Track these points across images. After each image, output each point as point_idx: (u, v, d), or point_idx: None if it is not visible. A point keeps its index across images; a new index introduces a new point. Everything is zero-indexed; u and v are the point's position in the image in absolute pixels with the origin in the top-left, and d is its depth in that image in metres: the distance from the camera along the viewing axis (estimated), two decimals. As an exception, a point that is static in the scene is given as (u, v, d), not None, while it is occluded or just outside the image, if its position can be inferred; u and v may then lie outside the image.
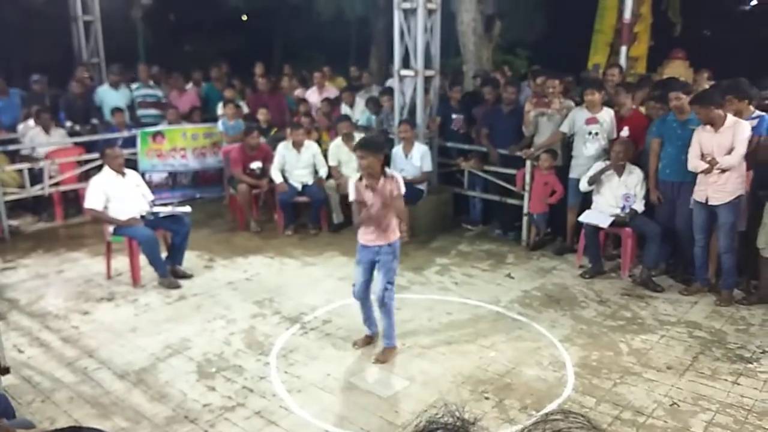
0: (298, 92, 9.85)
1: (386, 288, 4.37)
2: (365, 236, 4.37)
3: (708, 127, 5.17)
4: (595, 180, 6.00)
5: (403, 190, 4.30)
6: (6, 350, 4.33)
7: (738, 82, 5.62)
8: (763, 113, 5.44)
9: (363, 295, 4.54)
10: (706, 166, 5.15)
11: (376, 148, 4.24)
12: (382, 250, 4.34)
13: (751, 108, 5.46)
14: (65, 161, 7.97)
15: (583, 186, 6.11)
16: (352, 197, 4.34)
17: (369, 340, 4.69)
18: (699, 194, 5.33)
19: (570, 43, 11.02)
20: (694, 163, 5.26)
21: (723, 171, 5.12)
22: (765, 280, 5.37)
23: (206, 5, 15.88)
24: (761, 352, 4.57)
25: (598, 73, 8.72)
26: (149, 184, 6.96)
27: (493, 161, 7.19)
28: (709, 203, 5.26)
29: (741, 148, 5.06)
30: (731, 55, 10.35)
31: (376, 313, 4.58)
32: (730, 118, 5.14)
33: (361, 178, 4.31)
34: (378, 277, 4.41)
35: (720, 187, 5.18)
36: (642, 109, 6.49)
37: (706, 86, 6.70)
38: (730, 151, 5.08)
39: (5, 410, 3.02)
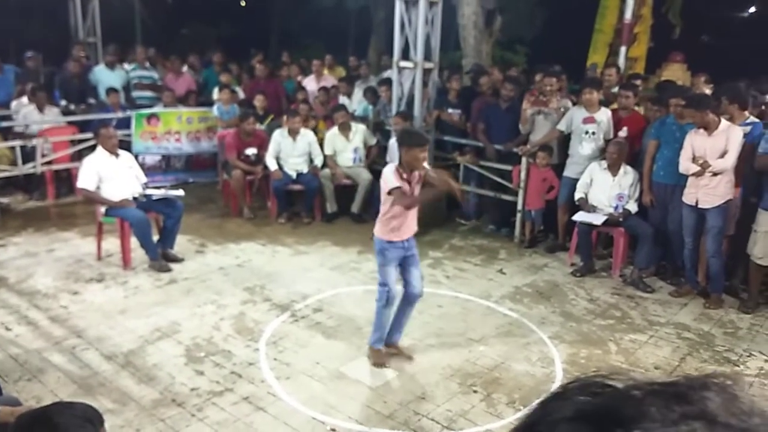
0: (298, 79, 9.80)
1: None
2: (403, 230, 4.12)
3: (701, 130, 5.19)
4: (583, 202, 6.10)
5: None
6: (-7, 327, 4.31)
7: (734, 87, 5.64)
8: (757, 120, 5.46)
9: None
10: (698, 168, 5.17)
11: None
12: (411, 243, 4.17)
13: (746, 114, 5.48)
14: (58, 140, 7.89)
15: (576, 197, 6.15)
16: (394, 184, 3.99)
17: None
18: (689, 197, 5.35)
19: (569, 41, 11.01)
20: (686, 165, 5.28)
21: (714, 174, 5.15)
22: (754, 289, 5.40)
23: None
24: (747, 355, 4.61)
25: (595, 72, 8.72)
26: (142, 166, 6.91)
27: (489, 157, 7.19)
28: (699, 206, 5.28)
29: (733, 153, 5.09)
30: (729, 60, 10.40)
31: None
32: (724, 122, 5.16)
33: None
34: (416, 273, 4.25)
35: (710, 191, 5.21)
36: (639, 110, 6.51)
37: (705, 90, 6.72)
38: (722, 155, 5.11)
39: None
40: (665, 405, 0.51)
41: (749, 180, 5.44)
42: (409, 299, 4.31)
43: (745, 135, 5.23)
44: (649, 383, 0.55)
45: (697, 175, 5.21)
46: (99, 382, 3.94)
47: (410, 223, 4.15)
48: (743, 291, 5.60)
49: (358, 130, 7.58)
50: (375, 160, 7.67)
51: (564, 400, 0.55)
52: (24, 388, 3.82)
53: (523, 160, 6.66)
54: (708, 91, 6.51)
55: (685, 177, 5.37)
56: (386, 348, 4.37)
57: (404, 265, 4.22)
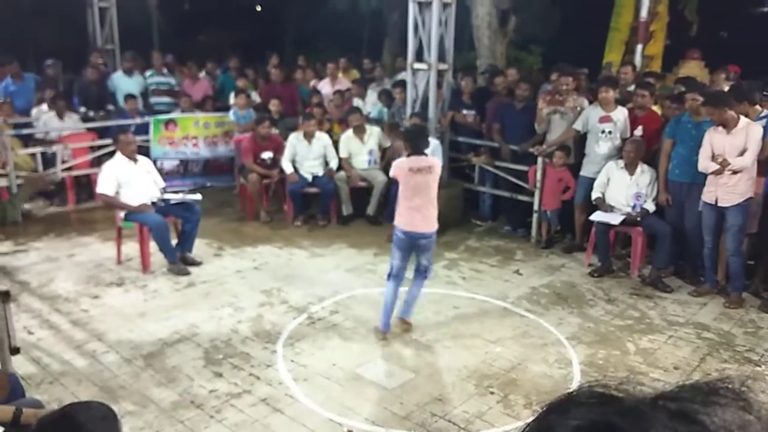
0: (313, 82, 9.86)
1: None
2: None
3: (720, 128, 5.14)
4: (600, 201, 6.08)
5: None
6: (16, 331, 4.36)
7: (737, 85, 5.61)
8: None
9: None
10: (717, 166, 5.12)
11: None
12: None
13: (758, 108, 5.43)
14: (78, 146, 8.01)
15: (593, 197, 6.12)
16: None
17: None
18: (708, 195, 5.30)
19: (584, 40, 10.95)
20: (705, 164, 5.23)
21: (734, 172, 5.09)
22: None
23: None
24: (769, 356, 4.55)
25: (610, 71, 8.66)
26: (161, 171, 6.98)
27: (504, 157, 7.17)
28: (719, 205, 5.22)
29: (753, 150, 5.03)
30: (747, 56, 10.25)
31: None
32: (743, 120, 5.10)
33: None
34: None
35: (730, 189, 5.15)
36: (656, 108, 6.45)
37: (725, 87, 6.64)
38: (741, 153, 5.05)
39: (15, 390, 3.05)
40: (668, 423, 0.49)
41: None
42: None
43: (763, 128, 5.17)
44: (654, 396, 0.53)
45: (717, 173, 5.15)
46: (119, 384, 4.00)
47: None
48: (765, 290, 5.52)
49: (373, 132, 7.60)
50: (390, 162, 7.67)
51: (564, 414, 0.53)
52: (46, 390, 3.88)
53: (539, 160, 6.63)
54: (727, 88, 6.43)
55: (701, 175, 5.32)
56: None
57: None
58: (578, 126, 6.41)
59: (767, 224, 5.34)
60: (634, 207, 5.93)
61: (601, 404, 0.52)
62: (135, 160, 5.95)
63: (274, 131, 7.92)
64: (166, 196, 6.13)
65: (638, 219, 5.87)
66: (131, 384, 4.00)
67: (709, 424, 0.50)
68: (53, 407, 3.40)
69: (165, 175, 7.39)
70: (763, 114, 5.37)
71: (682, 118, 5.66)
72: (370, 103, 8.82)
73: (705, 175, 5.29)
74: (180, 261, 5.93)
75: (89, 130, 8.29)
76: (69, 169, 7.88)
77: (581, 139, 6.53)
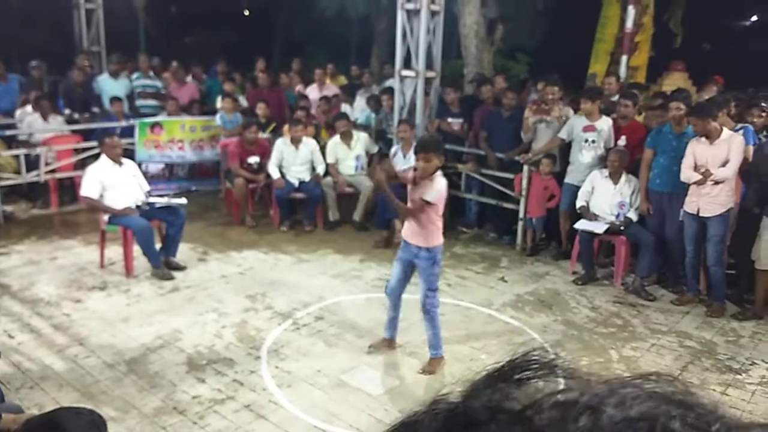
0: (298, 88, 9.85)
1: (427, 295, 4.24)
2: (405, 232, 4.29)
3: (703, 139, 5.21)
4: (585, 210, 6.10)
5: (431, 198, 4.06)
6: (-4, 335, 4.33)
7: (718, 96, 5.73)
8: (746, 124, 5.52)
9: (396, 293, 4.42)
10: (699, 177, 5.18)
11: (438, 148, 4.14)
12: (420, 254, 4.19)
13: (731, 121, 5.53)
14: (62, 148, 7.93)
15: (577, 206, 6.16)
16: (398, 168, 4.23)
17: (386, 344, 4.58)
18: (690, 206, 5.36)
19: (570, 50, 11.05)
20: (688, 173, 5.29)
21: (716, 183, 5.16)
22: (760, 296, 5.37)
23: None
24: (750, 364, 4.60)
25: (594, 82, 8.75)
26: (146, 174, 6.94)
27: (490, 165, 7.21)
28: (701, 215, 5.29)
29: (735, 161, 5.11)
30: (730, 68, 10.42)
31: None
32: (726, 131, 5.18)
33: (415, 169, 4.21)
34: (420, 284, 4.30)
35: (712, 199, 5.21)
36: (639, 118, 6.52)
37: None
38: (723, 164, 5.12)
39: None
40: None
41: (749, 189, 5.44)
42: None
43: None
44: (466, 397, 0.48)
45: (699, 183, 5.22)
46: (101, 389, 3.95)
47: (412, 226, 4.21)
48: (746, 300, 5.58)
49: (360, 138, 7.61)
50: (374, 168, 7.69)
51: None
52: (26, 395, 3.83)
53: (525, 168, 6.68)
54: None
55: (681, 184, 5.39)
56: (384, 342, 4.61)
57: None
58: (563, 135, 6.47)
59: (744, 234, 5.39)
60: (617, 216, 5.98)
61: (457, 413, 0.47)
62: (120, 164, 5.90)
63: (261, 135, 7.90)
64: (151, 199, 6.10)
65: (622, 228, 5.93)
66: (113, 389, 3.96)
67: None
68: (33, 412, 3.36)
69: (150, 178, 7.34)
70: (738, 127, 5.47)
71: (663, 128, 5.73)
72: (358, 109, 8.85)
73: (685, 185, 5.36)
74: (164, 265, 5.89)
75: (74, 132, 8.22)
76: (53, 171, 7.80)
77: (566, 147, 6.58)
